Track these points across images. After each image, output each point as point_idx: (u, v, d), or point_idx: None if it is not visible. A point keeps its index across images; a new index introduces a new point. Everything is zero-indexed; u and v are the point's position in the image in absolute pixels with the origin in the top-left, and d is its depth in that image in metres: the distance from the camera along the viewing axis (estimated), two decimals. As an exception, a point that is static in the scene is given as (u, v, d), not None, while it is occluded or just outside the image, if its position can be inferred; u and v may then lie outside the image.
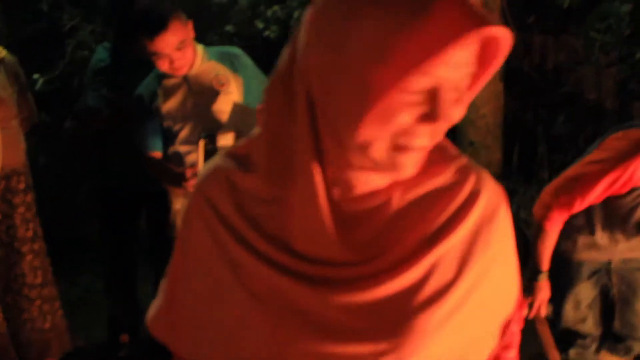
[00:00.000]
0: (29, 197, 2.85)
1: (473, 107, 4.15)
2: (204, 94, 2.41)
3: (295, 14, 4.05)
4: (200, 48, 2.46)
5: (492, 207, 0.89)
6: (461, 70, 0.76)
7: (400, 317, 0.83)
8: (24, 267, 2.85)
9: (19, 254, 2.84)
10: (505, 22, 4.20)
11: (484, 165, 4.11)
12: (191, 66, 2.39)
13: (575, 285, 2.39)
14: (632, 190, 2.11)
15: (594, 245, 2.31)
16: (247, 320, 0.85)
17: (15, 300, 2.86)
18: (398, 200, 0.86)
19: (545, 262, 2.24)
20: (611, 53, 3.90)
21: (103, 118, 2.78)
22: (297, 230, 0.84)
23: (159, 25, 2.23)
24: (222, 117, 2.40)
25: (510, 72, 4.27)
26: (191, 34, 2.37)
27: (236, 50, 2.58)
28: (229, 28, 4.41)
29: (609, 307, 2.47)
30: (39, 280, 2.89)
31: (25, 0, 4.87)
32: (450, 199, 0.87)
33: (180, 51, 2.30)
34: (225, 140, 2.32)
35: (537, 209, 2.19)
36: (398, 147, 0.78)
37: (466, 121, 4.21)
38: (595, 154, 2.12)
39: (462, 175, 0.89)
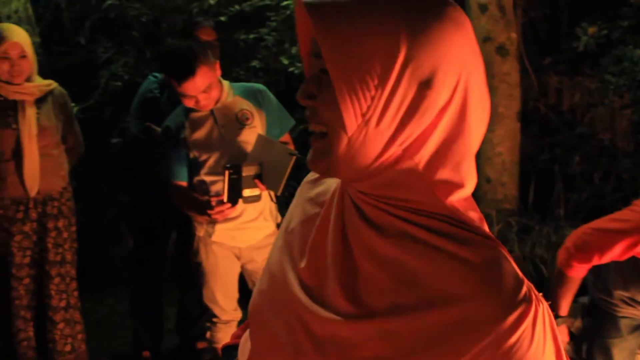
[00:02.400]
0: (61, 223, 3.00)
1: (489, 144, 4.25)
2: (229, 127, 2.54)
3: (319, 52, 4.21)
4: (226, 84, 2.59)
5: (479, 316, 0.72)
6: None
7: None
8: (51, 289, 2.98)
9: (48, 276, 2.98)
10: (522, 64, 4.32)
11: (500, 201, 4.21)
12: (217, 102, 2.53)
13: (612, 338, 2.25)
14: None
15: (631, 301, 2.17)
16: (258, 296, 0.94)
17: (46, 318, 3.00)
18: (379, 247, 0.78)
19: (564, 307, 2.11)
20: (625, 95, 3.98)
21: (142, 147, 2.93)
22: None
23: (187, 72, 2.34)
24: (246, 148, 2.52)
25: (526, 112, 4.37)
26: (218, 73, 2.50)
27: (260, 87, 2.71)
28: (255, 63, 4.59)
29: None
30: (63, 303, 3.01)
31: (64, 34, 5.13)
32: (431, 280, 0.75)
33: (206, 94, 2.43)
34: (249, 171, 2.43)
35: (560, 252, 2.09)
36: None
37: (483, 158, 4.31)
38: (623, 212, 2.01)
39: (459, 268, 0.74)
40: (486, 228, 0.80)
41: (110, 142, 3.22)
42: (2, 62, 2.79)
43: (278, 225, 2.71)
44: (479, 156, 4.46)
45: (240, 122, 2.55)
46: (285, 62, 4.30)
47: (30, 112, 2.85)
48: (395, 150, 0.74)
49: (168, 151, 2.60)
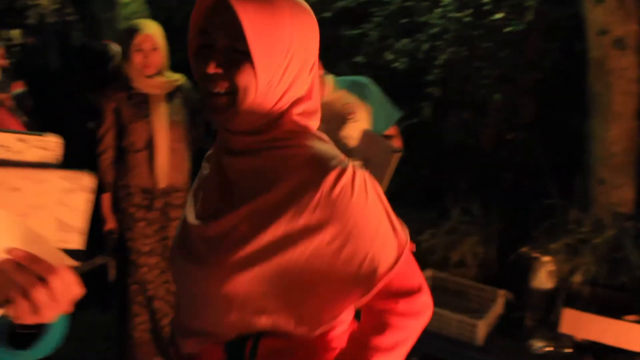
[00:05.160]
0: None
1: (603, 144, 4.01)
2: (333, 121, 2.54)
3: (424, 47, 4.13)
4: (330, 78, 2.59)
5: (310, 181, 1.08)
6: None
7: (213, 251, 1.14)
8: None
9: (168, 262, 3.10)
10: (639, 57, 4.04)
11: (615, 205, 3.95)
12: (322, 96, 2.53)
13: None
14: None
15: None
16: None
17: (161, 306, 3.12)
18: (246, 163, 1.14)
19: None
20: None
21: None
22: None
23: None
24: (350, 143, 2.51)
25: (646, 110, 4.08)
26: (319, 72, 2.49)
27: (365, 80, 2.70)
28: (358, 59, 4.57)
29: None
30: None
31: (175, 33, 5.34)
32: (278, 171, 1.11)
33: None
34: None
35: None
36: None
37: (596, 158, 4.08)
38: None
39: (294, 157, 1.11)
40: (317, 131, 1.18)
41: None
42: (136, 54, 2.93)
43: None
44: (589, 156, 4.23)
45: (344, 116, 2.55)
46: (390, 57, 4.26)
47: (163, 106, 2.99)
48: (282, 103, 1.12)
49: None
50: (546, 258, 3.69)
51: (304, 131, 1.15)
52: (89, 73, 3.85)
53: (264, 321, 1.13)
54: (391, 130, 2.67)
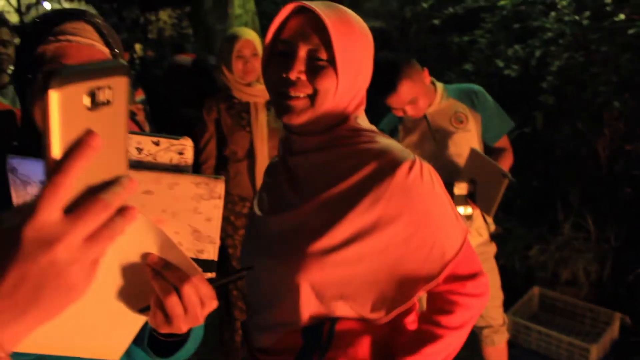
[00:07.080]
0: None
1: None
2: (442, 131, 2.48)
3: (537, 53, 3.96)
4: (440, 86, 2.52)
5: (383, 172, 1.14)
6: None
7: (290, 242, 1.20)
8: None
9: None
10: None
11: None
12: (430, 105, 2.48)
13: None
14: None
15: None
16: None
17: None
18: (316, 159, 1.22)
19: None
20: None
21: None
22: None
23: (389, 87, 2.34)
24: (459, 153, 2.44)
25: None
26: (426, 81, 2.43)
27: (476, 88, 2.60)
28: (467, 66, 4.46)
29: None
30: None
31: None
32: (349, 163, 1.18)
33: (412, 105, 2.39)
34: (461, 189, 2.36)
35: None
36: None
37: None
38: None
39: (365, 150, 1.19)
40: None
41: None
42: (237, 60, 2.91)
43: (490, 235, 2.60)
44: None
45: (454, 125, 2.48)
46: (500, 64, 4.12)
47: (262, 115, 2.97)
48: (351, 106, 1.23)
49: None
50: (670, 280, 3.42)
51: (367, 129, 1.24)
52: (195, 86, 3.95)
53: (341, 307, 1.19)
54: (502, 141, 2.56)
